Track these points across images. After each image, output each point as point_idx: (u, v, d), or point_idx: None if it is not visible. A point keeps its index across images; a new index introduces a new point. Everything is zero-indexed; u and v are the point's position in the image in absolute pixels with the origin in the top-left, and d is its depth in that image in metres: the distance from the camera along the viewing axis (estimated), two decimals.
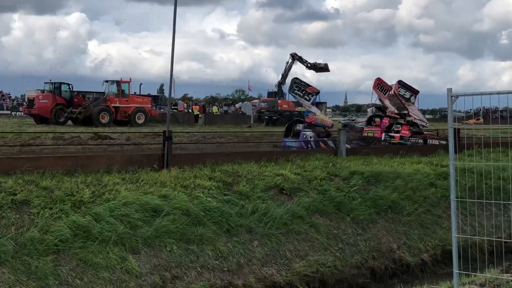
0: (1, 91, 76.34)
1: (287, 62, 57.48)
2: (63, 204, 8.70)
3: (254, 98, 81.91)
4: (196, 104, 57.47)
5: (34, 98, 38.05)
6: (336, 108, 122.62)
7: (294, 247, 10.27)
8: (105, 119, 34.54)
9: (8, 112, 66.50)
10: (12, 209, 8.31)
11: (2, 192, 8.61)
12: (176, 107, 50.61)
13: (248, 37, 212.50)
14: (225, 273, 9.14)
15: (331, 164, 13.66)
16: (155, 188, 10.16)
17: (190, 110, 53.18)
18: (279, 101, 52.63)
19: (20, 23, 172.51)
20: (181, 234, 9.24)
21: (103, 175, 10.80)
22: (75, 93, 40.01)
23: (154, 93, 76.08)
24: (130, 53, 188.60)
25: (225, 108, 59.83)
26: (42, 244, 7.82)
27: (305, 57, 57.38)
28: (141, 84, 66.73)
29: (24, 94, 64.76)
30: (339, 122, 35.07)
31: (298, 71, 68.63)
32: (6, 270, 7.28)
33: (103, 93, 39.55)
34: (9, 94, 77.23)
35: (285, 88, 57.41)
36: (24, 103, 51.40)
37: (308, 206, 11.20)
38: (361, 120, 34.80)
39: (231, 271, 9.22)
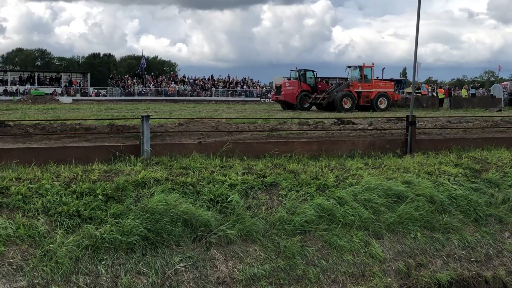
0: (251, 79, 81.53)
1: None
2: (309, 187, 9.02)
3: (505, 80, 76.62)
4: (441, 88, 55.45)
5: (281, 85, 39.73)
6: None
7: None
8: (347, 104, 34.86)
9: (258, 98, 70.88)
10: (263, 191, 8.83)
11: (253, 174, 9.18)
12: (419, 91, 49.30)
13: (500, 15, 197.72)
14: (473, 263, 8.76)
15: None
16: (398, 173, 10.05)
17: (434, 94, 51.53)
18: None
19: (269, 13, 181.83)
20: (425, 222, 9.05)
21: (346, 159, 11.00)
22: (319, 79, 41.02)
23: (397, 77, 75.17)
24: (373, 38, 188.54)
25: (472, 91, 56.74)
26: (290, 225, 8.19)
27: None
28: (384, 68, 66.64)
29: (272, 82, 68.32)
30: None
31: None
32: (257, 248, 7.78)
33: (346, 78, 40.00)
34: (258, 82, 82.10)
35: None
36: (272, 90, 54.21)
37: None
38: None
39: (479, 262, 8.82)
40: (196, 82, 77.89)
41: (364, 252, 8.22)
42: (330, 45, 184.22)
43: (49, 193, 7.53)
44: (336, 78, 56.73)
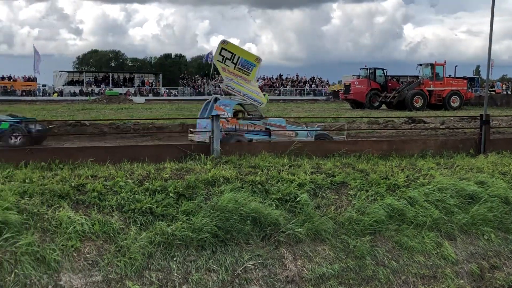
0: (320, 77, 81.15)
1: None
2: (378, 187, 8.91)
3: None
4: None
5: (350, 83, 39.51)
6: None
7: None
8: (418, 103, 34.33)
9: (325, 97, 70.57)
10: (331, 190, 8.78)
11: (322, 174, 9.14)
12: (493, 89, 47.91)
13: None
14: None
15: None
16: (471, 174, 9.81)
17: (509, 92, 49.94)
18: None
19: (339, 12, 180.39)
20: (499, 223, 8.81)
21: (417, 159, 10.84)
22: (389, 77, 40.54)
23: (470, 75, 73.34)
24: (445, 35, 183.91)
25: None
26: (359, 225, 8.12)
27: None
28: (456, 66, 64.80)
29: (341, 80, 67.84)
30: None
31: None
32: (326, 247, 7.75)
33: (417, 76, 39.34)
34: (327, 81, 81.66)
35: None
36: (341, 89, 53.90)
37: None
38: None
39: None
40: (265, 81, 78.24)
41: (435, 253, 8.07)
42: (401, 42, 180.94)
43: (123, 190, 7.74)
44: (407, 76, 55.94)
